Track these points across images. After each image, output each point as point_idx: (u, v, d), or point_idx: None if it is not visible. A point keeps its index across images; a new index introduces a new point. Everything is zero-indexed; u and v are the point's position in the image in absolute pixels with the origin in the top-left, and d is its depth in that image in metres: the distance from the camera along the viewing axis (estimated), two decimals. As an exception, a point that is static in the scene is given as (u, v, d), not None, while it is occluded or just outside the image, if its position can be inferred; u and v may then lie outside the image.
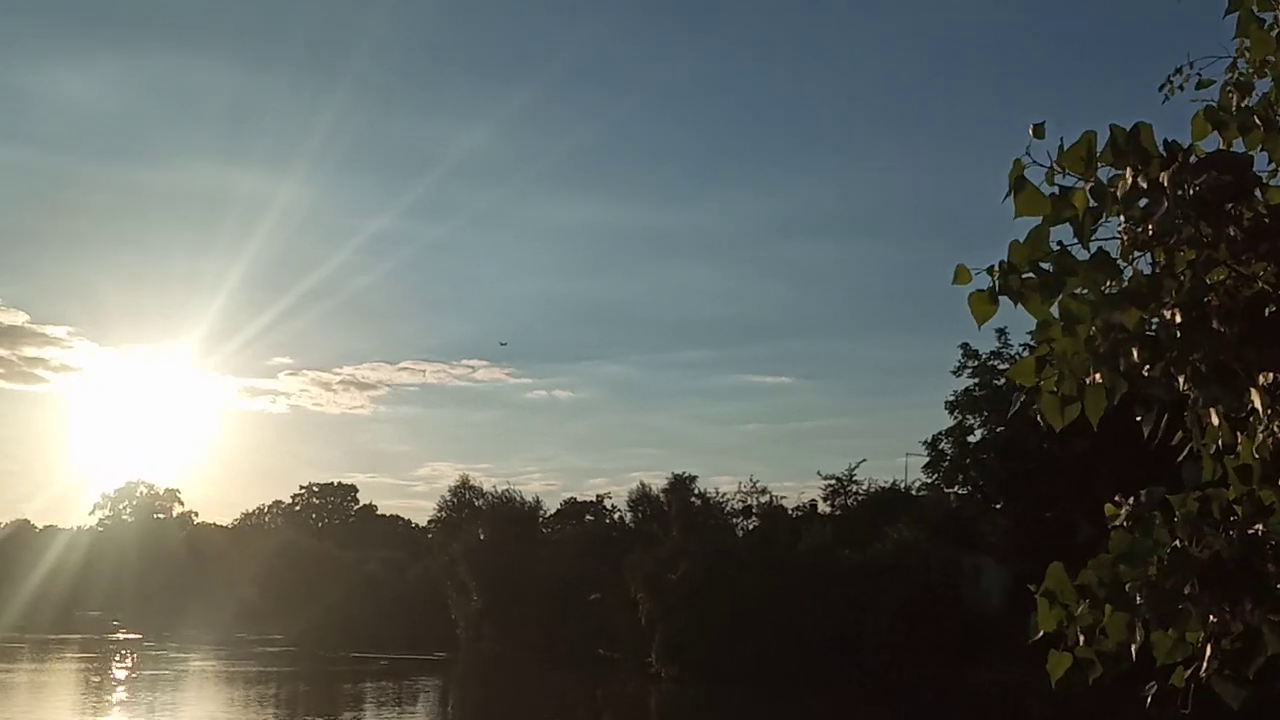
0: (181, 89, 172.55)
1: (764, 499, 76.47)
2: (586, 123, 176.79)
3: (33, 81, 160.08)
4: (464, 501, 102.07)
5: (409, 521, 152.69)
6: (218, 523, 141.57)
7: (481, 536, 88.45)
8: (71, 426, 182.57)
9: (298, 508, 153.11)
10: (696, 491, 77.85)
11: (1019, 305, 4.69)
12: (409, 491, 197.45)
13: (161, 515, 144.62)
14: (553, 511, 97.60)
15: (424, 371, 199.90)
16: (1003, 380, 65.26)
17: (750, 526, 74.21)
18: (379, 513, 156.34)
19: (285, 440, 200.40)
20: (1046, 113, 5.61)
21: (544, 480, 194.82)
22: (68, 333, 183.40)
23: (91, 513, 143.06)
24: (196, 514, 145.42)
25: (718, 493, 77.60)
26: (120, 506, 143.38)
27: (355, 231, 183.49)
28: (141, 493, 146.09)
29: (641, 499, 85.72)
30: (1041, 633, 5.06)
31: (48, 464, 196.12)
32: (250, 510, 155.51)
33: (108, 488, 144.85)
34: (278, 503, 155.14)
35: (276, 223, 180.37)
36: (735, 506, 76.16)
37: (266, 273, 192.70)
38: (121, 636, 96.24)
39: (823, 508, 75.89)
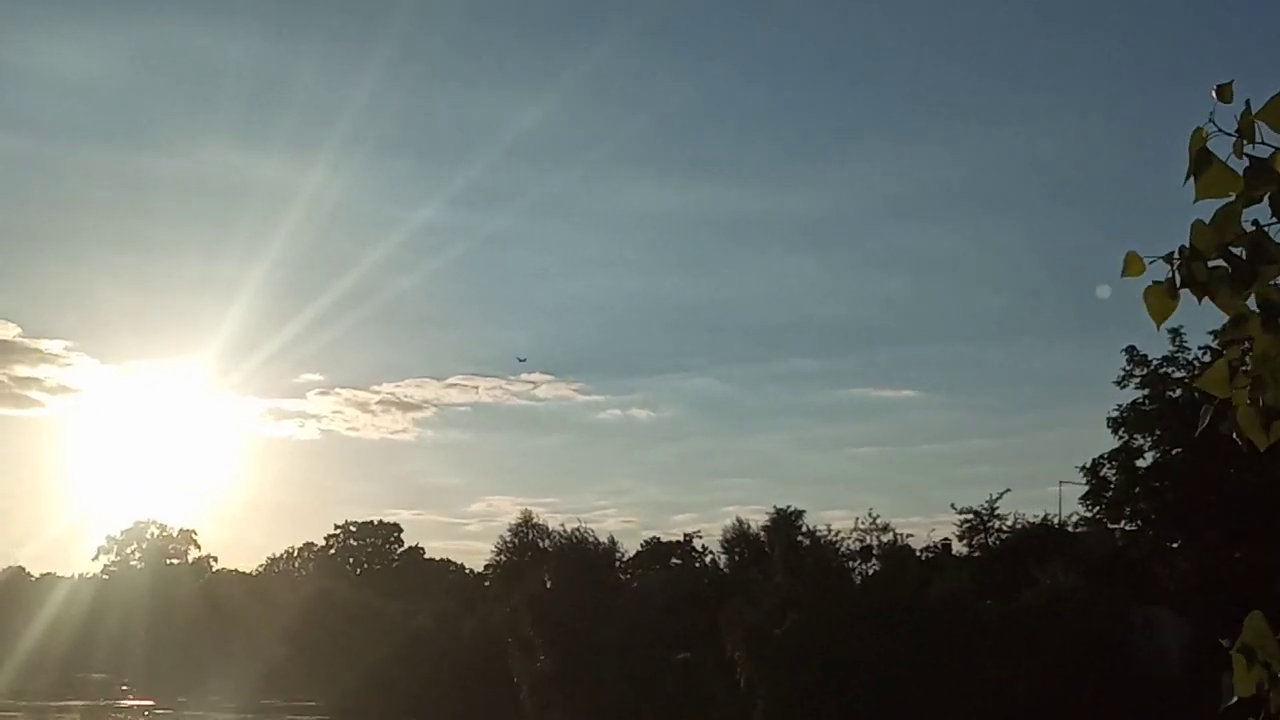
0: (193, 63, 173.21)
1: (886, 538, 74.46)
2: (666, 92, 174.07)
3: (21, 56, 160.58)
4: (527, 543, 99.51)
5: (462, 567, 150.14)
6: (240, 569, 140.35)
7: (548, 584, 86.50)
8: (70, 457, 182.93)
9: (332, 551, 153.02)
10: (804, 529, 76.45)
11: (1204, 299, 4.54)
12: (461, 531, 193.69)
13: (175, 561, 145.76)
14: (632, 554, 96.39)
15: (477, 388, 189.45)
16: (1178, 391, 64.27)
17: (870, 571, 73.63)
18: (427, 556, 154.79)
19: (316, 471, 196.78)
20: (1228, 70, 5.25)
21: (621, 516, 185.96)
22: (65, 348, 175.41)
23: (95, 558, 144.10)
24: (215, 559, 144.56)
25: (829, 530, 75.26)
26: (128, 551, 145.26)
27: (396, 225, 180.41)
28: (152, 535, 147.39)
29: (738, 538, 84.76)
30: (1237, 697, 4.80)
31: (44, 501, 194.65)
32: (277, 555, 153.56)
33: (113, 529, 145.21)
34: (309, 545, 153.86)
35: (304, 216, 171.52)
36: (851, 547, 74.53)
37: (293, 275, 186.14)
38: (131, 702, 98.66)
39: (958, 548, 74.59)
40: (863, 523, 77.45)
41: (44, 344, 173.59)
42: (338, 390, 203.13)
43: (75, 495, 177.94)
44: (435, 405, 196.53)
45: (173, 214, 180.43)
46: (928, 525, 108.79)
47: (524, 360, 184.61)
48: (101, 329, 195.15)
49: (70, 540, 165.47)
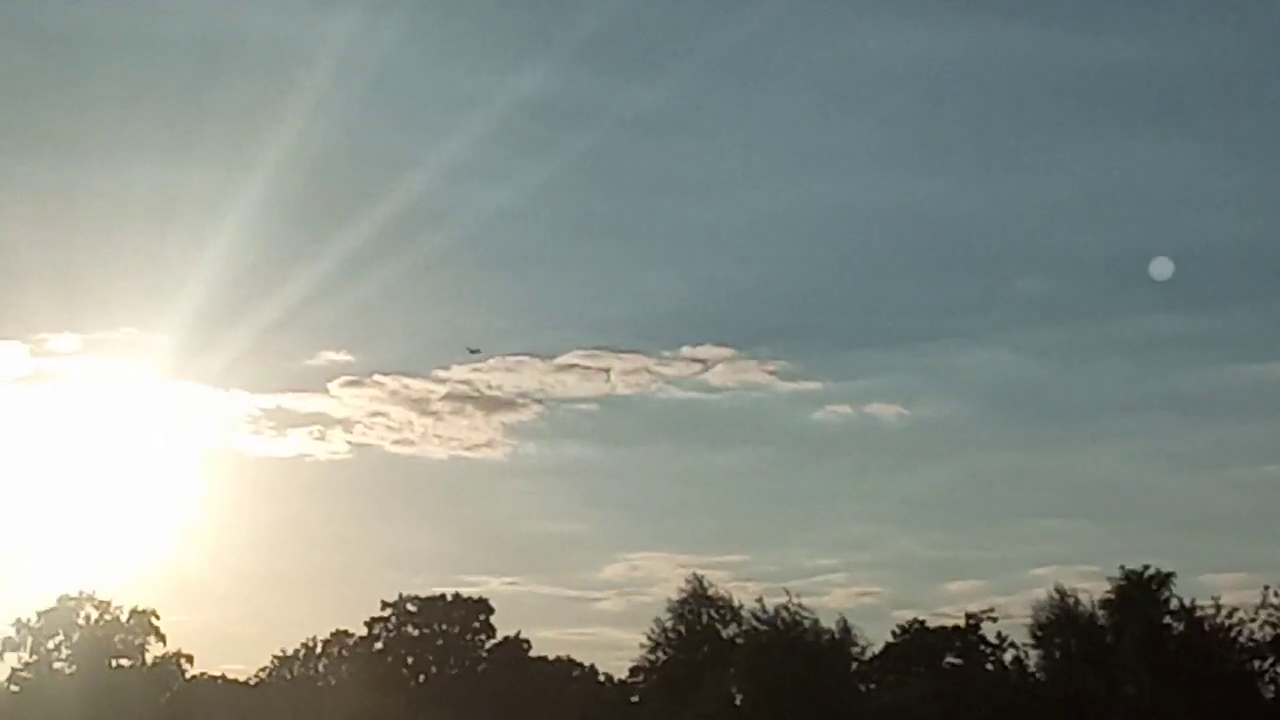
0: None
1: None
2: None
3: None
4: (700, 630, 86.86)
5: (592, 671, 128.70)
6: (230, 675, 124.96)
7: (738, 700, 76.23)
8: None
9: (379, 645, 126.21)
10: (1172, 604, 66.88)
11: None
12: (590, 612, 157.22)
13: (126, 662, 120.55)
14: (878, 648, 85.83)
15: (608, 372, 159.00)
16: None
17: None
18: (535, 654, 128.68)
19: (348, 512, 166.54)
20: None
21: (856, 585, 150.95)
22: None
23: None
24: (189, 659, 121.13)
25: (1216, 607, 65.39)
26: (48, 647, 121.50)
27: (475, 104, 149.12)
28: (87, 619, 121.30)
29: (1058, 622, 72.62)
30: None
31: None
32: (289, 651, 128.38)
33: (25, 610, 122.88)
34: (341, 636, 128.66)
35: (323, 99, 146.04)
36: (1257, 635, 63.80)
37: (304, 194, 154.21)
38: None
39: None
40: (1277, 594, 66.08)
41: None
42: (378, 378, 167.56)
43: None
44: (541, 400, 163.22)
45: (127, 108, 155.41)
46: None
47: (477, 351, 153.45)
48: (12, 297, 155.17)
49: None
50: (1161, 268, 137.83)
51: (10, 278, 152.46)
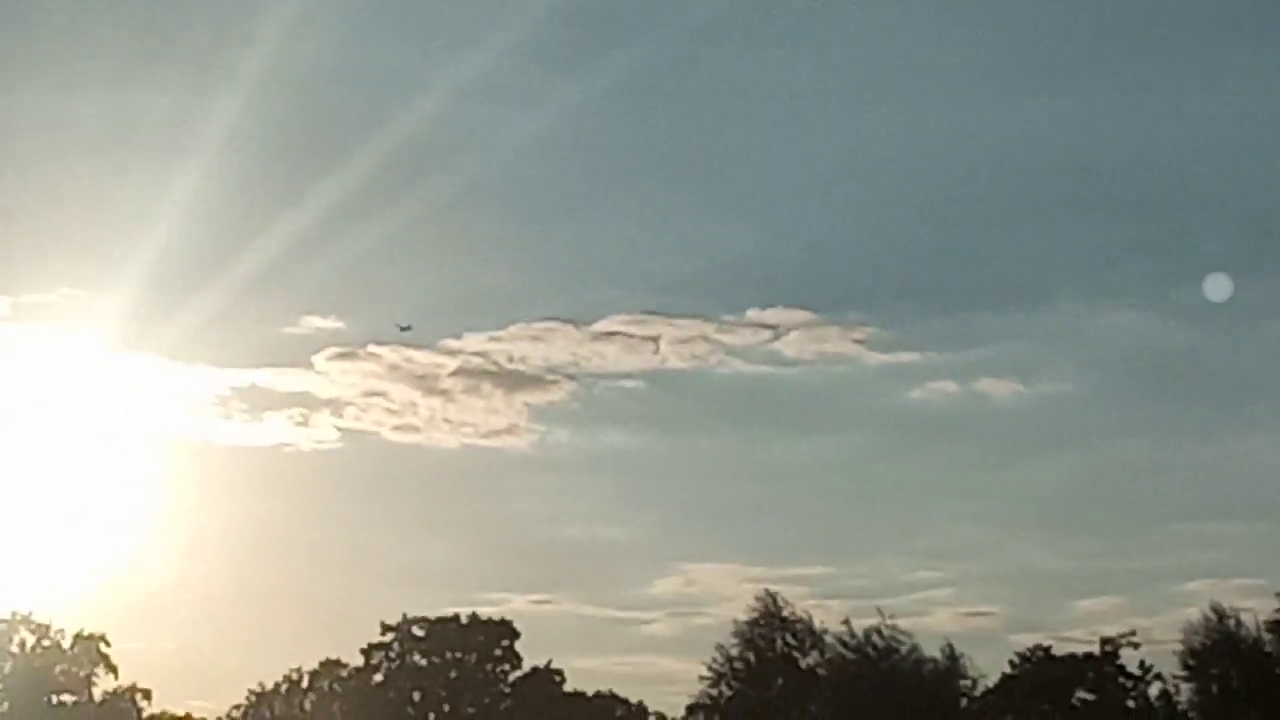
0: None
1: None
2: None
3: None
4: (771, 657, 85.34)
5: (639, 707, 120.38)
6: (196, 713, 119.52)
7: None
8: None
9: (379, 677, 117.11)
10: None
11: None
12: (635, 636, 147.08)
13: (69, 699, 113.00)
14: (993, 681, 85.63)
15: (657, 341, 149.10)
16: None
17: None
18: (567, 687, 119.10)
19: (336, 516, 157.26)
20: None
21: (964, 605, 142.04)
22: None
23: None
24: (147, 694, 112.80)
25: None
26: None
27: (497, 11, 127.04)
28: (22, 644, 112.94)
29: (1217, 648, 72.79)
30: None
31: None
32: (268, 686, 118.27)
33: None
34: (332, 665, 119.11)
35: (310, 5, 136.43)
36: None
37: (284, 130, 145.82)
38: None
39: None
40: None
41: None
42: (374, 349, 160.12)
43: None
44: (574, 376, 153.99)
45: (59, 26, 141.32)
46: None
47: (408, 329, 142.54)
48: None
49: None
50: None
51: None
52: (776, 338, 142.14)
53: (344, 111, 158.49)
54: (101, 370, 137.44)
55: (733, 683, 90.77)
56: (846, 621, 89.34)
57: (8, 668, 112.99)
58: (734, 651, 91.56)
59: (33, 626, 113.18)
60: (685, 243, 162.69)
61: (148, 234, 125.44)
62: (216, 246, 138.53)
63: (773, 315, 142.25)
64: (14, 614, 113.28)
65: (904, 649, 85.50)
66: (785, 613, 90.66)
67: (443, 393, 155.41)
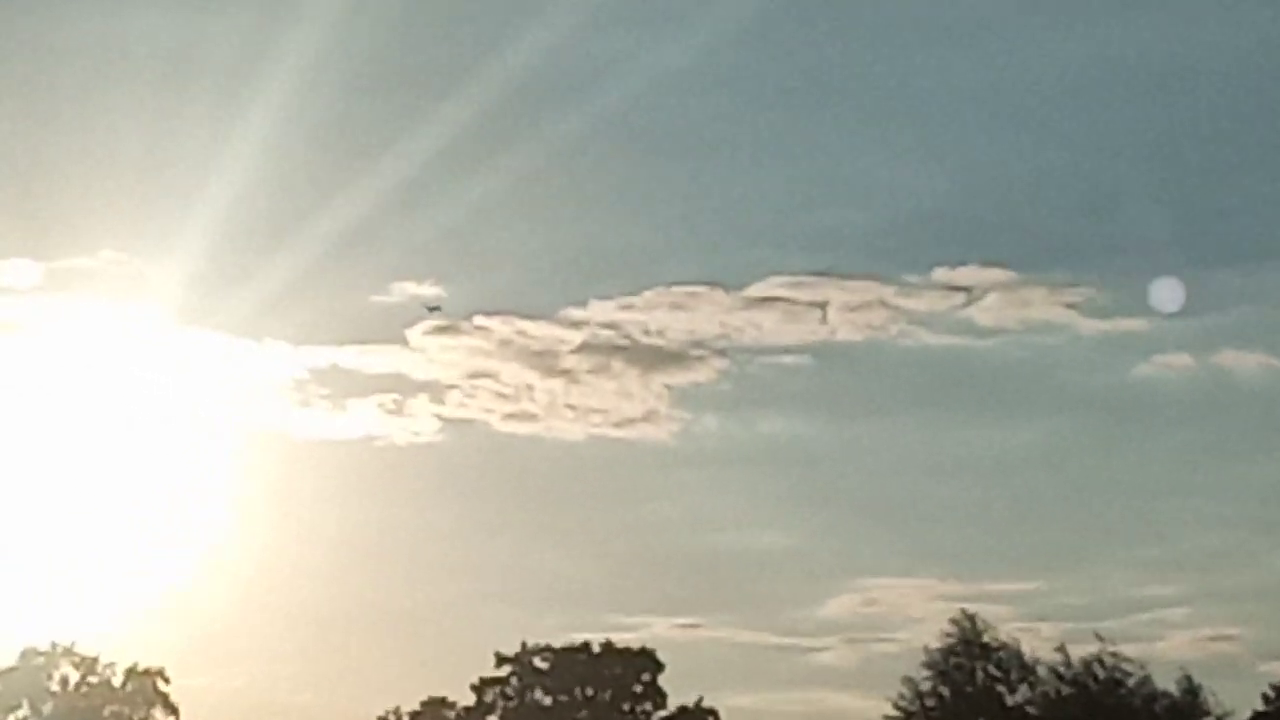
0: None
1: None
2: None
3: None
4: (970, 692, 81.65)
5: None
6: None
7: None
8: None
9: (494, 719, 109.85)
10: None
11: None
12: (802, 665, 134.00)
13: None
14: None
15: (823, 308, 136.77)
16: None
17: None
18: None
19: (438, 524, 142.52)
20: None
21: (1205, 624, 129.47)
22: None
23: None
24: None
25: None
26: (5, 717, 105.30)
27: None
28: (64, 681, 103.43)
29: None
30: None
31: None
32: None
33: None
34: (438, 705, 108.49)
35: None
36: None
37: (373, 63, 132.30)
38: None
39: None
40: None
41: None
42: (481, 322, 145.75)
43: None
44: (724, 351, 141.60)
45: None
46: None
47: (436, 309, 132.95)
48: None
49: None
50: None
51: None
52: (970, 302, 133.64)
53: (447, 41, 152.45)
54: (154, 350, 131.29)
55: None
56: (1061, 648, 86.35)
57: (48, 709, 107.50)
58: (925, 686, 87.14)
59: (77, 660, 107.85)
60: (857, 190, 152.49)
61: (210, 187, 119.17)
62: (292, 201, 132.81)
63: (965, 275, 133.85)
64: (54, 645, 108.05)
65: (1132, 681, 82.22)
66: (986, 638, 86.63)
67: (565, 373, 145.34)
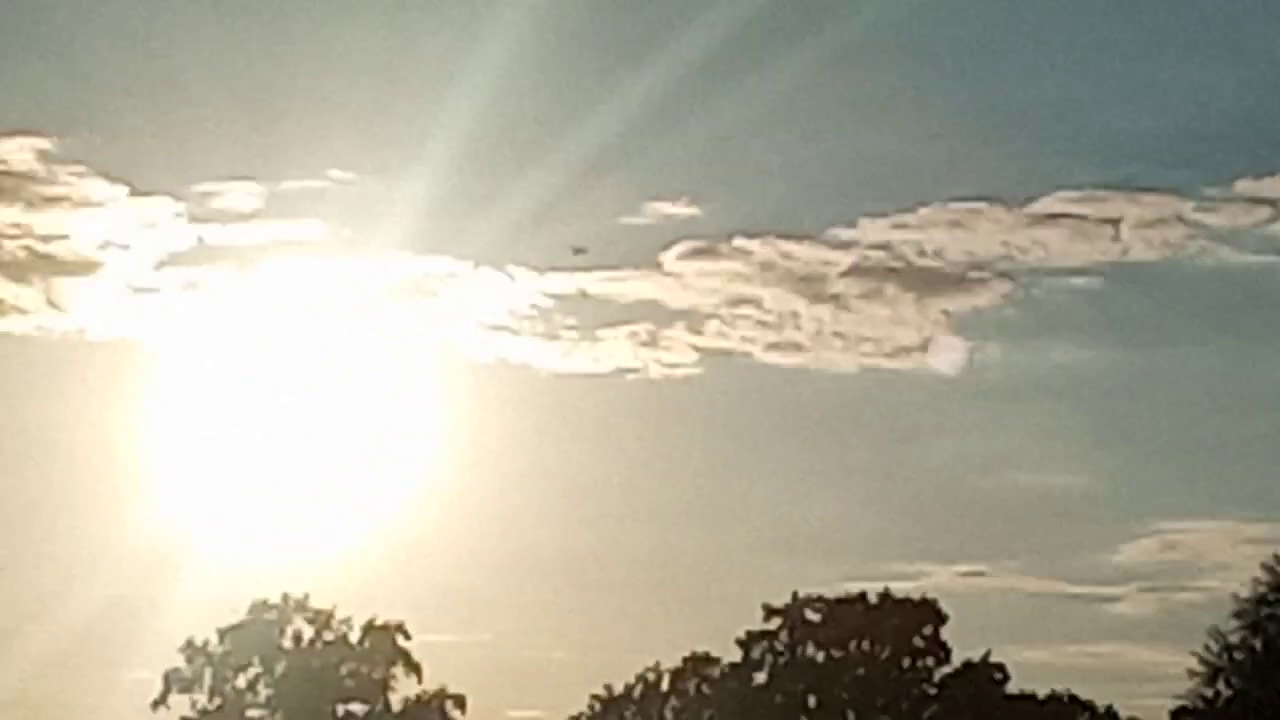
0: None
1: None
2: None
3: None
4: (1276, 636, 79.01)
5: (1108, 711, 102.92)
6: None
7: None
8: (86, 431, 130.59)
9: (761, 677, 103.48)
10: None
11: None
12: (1098, 616, 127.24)
13: (359, 708, 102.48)
14: None
15: (1116, 225, 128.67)
16: None
17: None
18: (1010, 689, 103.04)
19: (696, 464, 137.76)
20: None
21: None
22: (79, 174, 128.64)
23: (158, 704, 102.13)
24: (460, 702, 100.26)
25: None
26: (238, 680, 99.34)
27: None
28: (297, 637, 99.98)
29: None
30: None
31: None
32: (617, 689, 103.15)
33: (199, 623, 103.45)
34: (700, 662, 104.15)
35: None
36: None
37: None
38: None
39: None
40: None
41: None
42: (741, 243, 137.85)
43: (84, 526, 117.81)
44: (1008, 274, 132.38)
45: None
46: None
47: (583, 251, 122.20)
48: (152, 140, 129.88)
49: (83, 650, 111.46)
50: None
51: (146, 97, 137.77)
52: (1277, 217, 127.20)
53: None
54: (387, 278, 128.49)
55: (1233, 679, 79.62)
56: None
57: (280, 668, 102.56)
58: (1234, 638, 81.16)
59: (311, 614, 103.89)
60: (1152, 93, 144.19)
61: (446, 102, 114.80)
62: (535, 116, 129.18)
63: (1272, 186, 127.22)
64: (285, 597, 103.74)
65: None
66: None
67: (833, 299, 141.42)
